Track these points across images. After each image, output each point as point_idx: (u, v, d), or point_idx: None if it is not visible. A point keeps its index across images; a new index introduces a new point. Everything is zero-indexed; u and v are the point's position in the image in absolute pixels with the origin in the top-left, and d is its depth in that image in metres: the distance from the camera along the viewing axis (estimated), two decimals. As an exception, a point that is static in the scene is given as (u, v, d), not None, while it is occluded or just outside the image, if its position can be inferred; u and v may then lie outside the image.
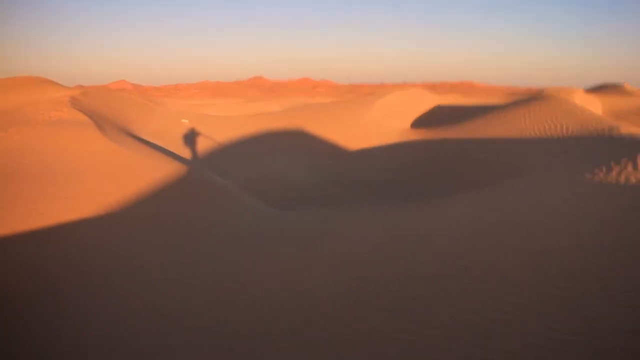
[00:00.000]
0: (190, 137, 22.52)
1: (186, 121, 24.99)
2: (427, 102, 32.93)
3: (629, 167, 11.22)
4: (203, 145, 22.31)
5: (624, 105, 36.42)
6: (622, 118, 34.13)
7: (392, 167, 20.59)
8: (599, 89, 47.54)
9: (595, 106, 36.50)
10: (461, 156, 19.59)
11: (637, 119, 33.92)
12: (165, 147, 19.08)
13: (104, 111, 20.16)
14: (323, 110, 29.61)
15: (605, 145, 15.98)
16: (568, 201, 9.25)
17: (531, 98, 26.35)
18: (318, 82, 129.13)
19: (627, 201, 8.93)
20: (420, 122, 28.49)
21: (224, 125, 25.91)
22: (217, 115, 29.28)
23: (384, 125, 26.79)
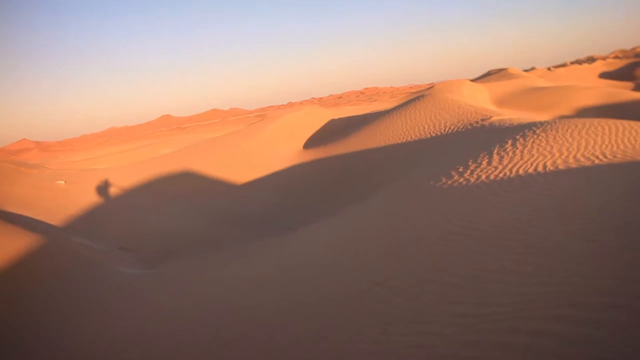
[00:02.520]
0: (64, 199, 20.83)
1: (62, 182, 23.24)
2: (320, 118, 32.56)
3: (484, 163, 10.95)
4: (79, 205, 20.69)
5: (509, 88, 37.62)
6: (508, 101, 35.24)
7: (279, 196, 19.85)
8: (486, 76, 49.35)
9: (482, 94, 37.53)
10: (344, 172, 19.14)
11: (523, 98, 35.08)
12: (32, 216, 17.45)
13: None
14: (212, 145, 28.55)
15: (477, 137, 15.91)
16: (408, 220, 8.72)
17: (415, 98, 26.47)
18: (227, 112, 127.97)
19: (460, 210, 8.48)
20: (313, 141, 27.97)
21: (106, 178, 24.35)
22: (99, 169, 27.54)
23: (275, 152, 26.06)
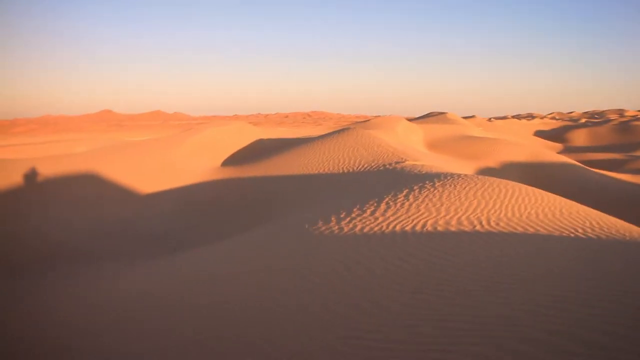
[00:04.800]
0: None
1: None
2: (248, 136, 31.51)
3: (368, 212, 10.17)
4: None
5: (443, 133, 37.79)
6: (440, 145, 35.30)
7: (183, 212, 18.62)
8: (425, 117, 49.83)
9: (417, 134, 37.55)
10: (254, 195, 18.14)
11: (454, 145, 35.20)
12: None
13: None
14: (128, 149, 26.94)
15: (381, 180, 15.28)
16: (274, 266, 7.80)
17: (341, 130, 25.88)
18: (171, 115, 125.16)
19: (308, 261, 7.63)
20: (233, 159, 26.85)
21: (8, 170, 22.36)
22: (4, 159, 25.37)
23: (192, 165, 24.76)
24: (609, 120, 72.02)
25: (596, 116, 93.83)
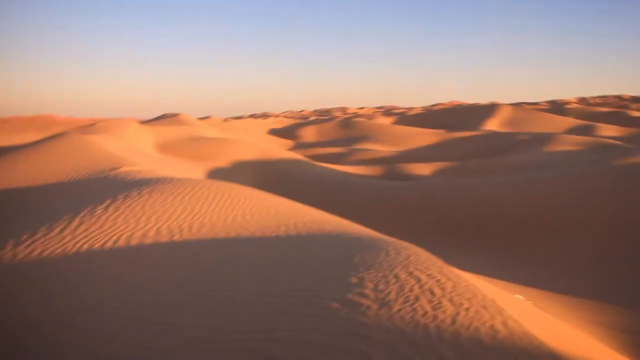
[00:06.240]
0: None
1: None
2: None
3: (56, 230, 8.89)
4: None
5: (175, 135, 36.91)
6: (172, 147, 34.35)
7: None
8: (159, 119, 48.29)
9: (147, 137, 35.97)
10: None
11: (186, 146, 34.60)
12: None
13: None
14: None
15: (89, 191, 13.86)
16: None
17: (53, 136, 23.20)
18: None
19: None
20: None
21: None
22: None
23: None
24: (334, 118, 79.58)
25: (324, 114, 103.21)
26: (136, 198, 10.78)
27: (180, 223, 9.27)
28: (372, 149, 44.40)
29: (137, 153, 26.18)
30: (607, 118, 63.06)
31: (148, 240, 8.27)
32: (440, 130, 53.11)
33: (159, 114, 51.34)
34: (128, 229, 8.78)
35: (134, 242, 8.18)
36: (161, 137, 36.89)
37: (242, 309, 5.48)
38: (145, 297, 6.23)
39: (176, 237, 8.48)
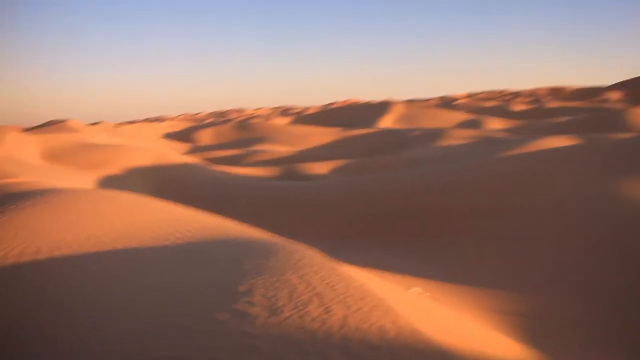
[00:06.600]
0: None
1: None
2: None
3: None
4: None
5: (62, 142, 34.94)
6: (59, 156, 32.45)
7: None
8: (44, 126, 45.49)
9: (29, 146, 33.73)
10: None
11: (75, 154, 32.82)
12: None
13: None
14: None
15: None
16: None
17: None
18: None
19: None
20: None
21: None
22: None
23: None
24: (231, 119, 78.84)
25: (221, 116, 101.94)
26: (13, 213, 10.17)
27: (64, 237, 8.85)
28: (269, 150, 44.56)
29: (19, 163, 24.55)
30: (493, 112, 67.58)
31: (25, 260, 7.83)
32: (336, 129, 54.31)
33: (45, 121, 48.22)
34: (1, 249, 8.26)
35: (7, 262, 7.72)
36: (47, 145, 34.77)
37: (117, 330, 5.33)
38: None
39: (57, 252, 8.10)
